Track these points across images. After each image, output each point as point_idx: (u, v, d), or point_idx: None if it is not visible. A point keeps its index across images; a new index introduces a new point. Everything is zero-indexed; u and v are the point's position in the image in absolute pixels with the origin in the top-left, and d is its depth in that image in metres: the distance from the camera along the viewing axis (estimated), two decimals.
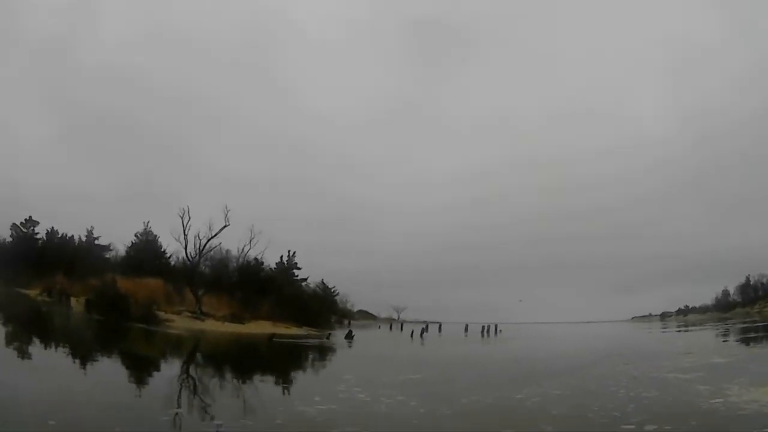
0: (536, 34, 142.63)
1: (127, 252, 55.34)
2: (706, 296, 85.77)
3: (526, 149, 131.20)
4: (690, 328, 67.08)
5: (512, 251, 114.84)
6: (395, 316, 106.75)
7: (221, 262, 55.50)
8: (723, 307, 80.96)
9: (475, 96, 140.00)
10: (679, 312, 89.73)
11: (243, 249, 55.49)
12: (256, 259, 58.86)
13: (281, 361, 31.63)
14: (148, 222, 56.42)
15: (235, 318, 48.18)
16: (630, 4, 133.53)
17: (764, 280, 77.22)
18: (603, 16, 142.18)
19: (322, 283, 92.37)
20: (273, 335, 41.51)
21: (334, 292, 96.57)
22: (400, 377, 22.39)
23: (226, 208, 50.45)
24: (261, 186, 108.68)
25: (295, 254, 69.58)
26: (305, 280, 73.37)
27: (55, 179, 79.30)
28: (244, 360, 31.03)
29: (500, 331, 66.25)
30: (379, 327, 78.43)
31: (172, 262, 55.79)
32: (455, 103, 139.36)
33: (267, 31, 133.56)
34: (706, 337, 48.78)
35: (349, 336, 48.19)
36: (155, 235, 56.44)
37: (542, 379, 21.12)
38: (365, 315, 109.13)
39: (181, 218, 49.37)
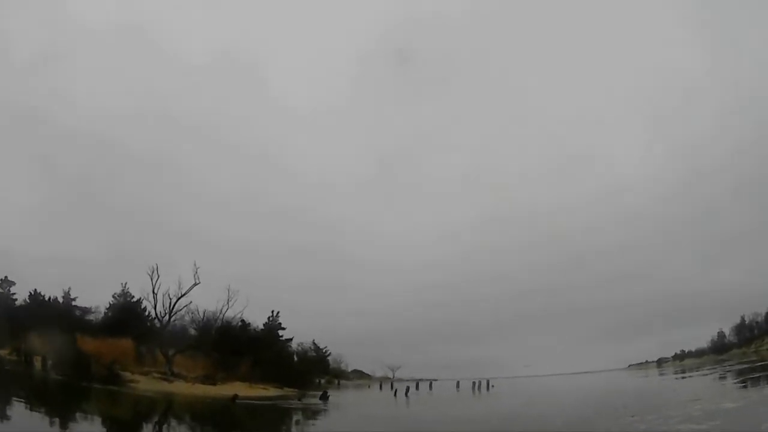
0: (515, 75, 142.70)
1: (104, 313, 53.30)
2: (701, 339, 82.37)
3: (510, 202, 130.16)
4: (688, 373, 64.90)
5: (502, 305, 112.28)
6: (390, 375, 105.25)
7: (196, 323, 53.56)
8: (719, 349, 78.37)
9: (456, 149, 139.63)
10: (676, 357, 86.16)
11: (221, 309, 53.24)
12: (242, 321, 57.67)
13: (225, 424, 29.77)
14: (125, 283, 53.99)
15: (208, 379, 46.18)
16: (609, 42, 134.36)
17: (759, 319, 75.31)
18: (583, 53, 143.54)
19: (314, 343, 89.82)
20: (236, 396, 39.29)
21: (325, 352, 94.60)
22: None
23: (195, 265, 48.75)
24: (248, 249, 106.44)
25: (279, 314, 67.23)
26: (290, 340, 71.66)
27: (38, 244, 76.70)
28: (189, 422, 29.76)
29: (492, 386, 62.99)
30: (369, 386, 74.84)
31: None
32: (435, 159, 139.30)
33: (242, 95, 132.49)
34: (706, 381, 46.89)
35: (324, 397, 45.58)
36: (132, 296, 53.92)
37: None
38: (360, 375, 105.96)
39: (150, 276, 47.61)
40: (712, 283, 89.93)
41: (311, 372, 67.34)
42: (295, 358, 77.07)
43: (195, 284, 48.67)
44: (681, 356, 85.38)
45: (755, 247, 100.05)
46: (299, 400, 44.21)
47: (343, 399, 50.10)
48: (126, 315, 51.81)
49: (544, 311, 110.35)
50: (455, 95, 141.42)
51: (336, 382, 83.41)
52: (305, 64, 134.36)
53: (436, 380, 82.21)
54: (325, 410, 38.72)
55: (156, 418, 30.25)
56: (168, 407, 34.68)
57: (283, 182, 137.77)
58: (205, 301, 53.05)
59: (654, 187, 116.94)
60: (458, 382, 66.34)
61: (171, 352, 46.58)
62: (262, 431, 30.33)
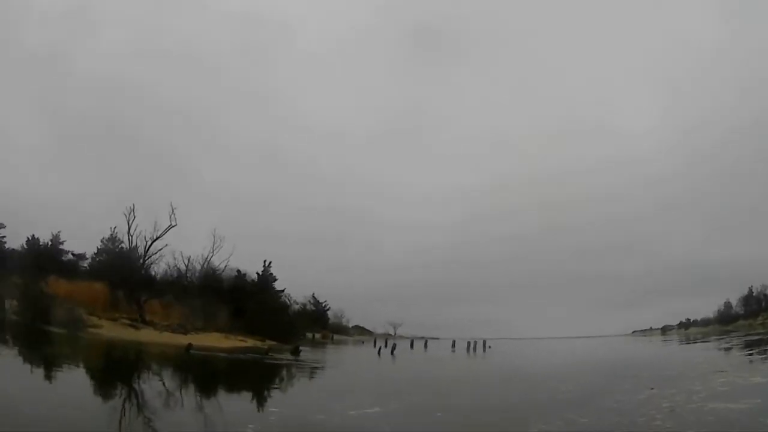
0: (530, 46, 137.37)
1: (92, 258, 50.94)
2: (707, 309, 79.63)
3: (523, 167, 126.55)
4: (694, 341, 62.64)
5: (510, 267, 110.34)
6: (391, 332, 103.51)
7: (177, 269, 51.33)
8: (725, 319, 75.32)
9: (470, 112, 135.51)
10: (681, 325, 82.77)
11: (206, 256, 52.42)
12: (238, 271, 56.95)
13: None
14: (114, 227, 50.50)
15: (181, 328, 43.75)
16: (625, 14, 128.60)
17: (767, 291, 72.39)
18: (598, 26, 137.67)
19: (313, 297, 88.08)
20: (190, 345, 36.47)
21: (325, 306, 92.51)
22: (351, 412, 17.07)
23: (172, 205, 46.30)
24: (255, 200, 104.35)
25: (271, 264, 64.87)
26: (281, 291, 69.76)
27: (48, 189, 73.93)
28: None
29: (489, 347, 59.73)
30: (363, 342, 72.35)
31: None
32: (450, 121, 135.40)
33: (260, 43, 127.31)
34: (719, 351, 44.20)
35: (296, 352, 43.00)
36: (121, 241, 50.56)
37: (548, 416, 15.79)
38: (361, 331, 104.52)
39: (126, 217, 45.40)
40: (721, 255, 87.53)
41: (298, 325, 64.16)
42: (290, 311, 75.79)
43: (171, 226, 46.34)
44: (686, 324, 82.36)
45: (764, 222, 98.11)
46: (266, 353, 41.47)
47: (319, 356, 47.68)
48: (107, 259, 49.58)
49: (549, 277, 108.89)
50: (468, 60, 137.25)
51: (331, 336, 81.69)
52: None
53: (435, 339, 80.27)
54: (288, 365, 35.97)
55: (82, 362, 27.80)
56: (108, 353, 32.80)
57: (292, 130, 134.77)
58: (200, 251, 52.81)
59: (665, 161, 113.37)
60: (454, 342, 63.11)
61: (143, 298, 44.23)
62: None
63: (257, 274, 64.05)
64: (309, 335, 74.30)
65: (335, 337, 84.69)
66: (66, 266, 49.45)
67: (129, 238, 45.95)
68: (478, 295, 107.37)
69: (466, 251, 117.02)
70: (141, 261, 46.20)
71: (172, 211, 46.05)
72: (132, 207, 45.73)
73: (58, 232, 51.56)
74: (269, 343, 48.80)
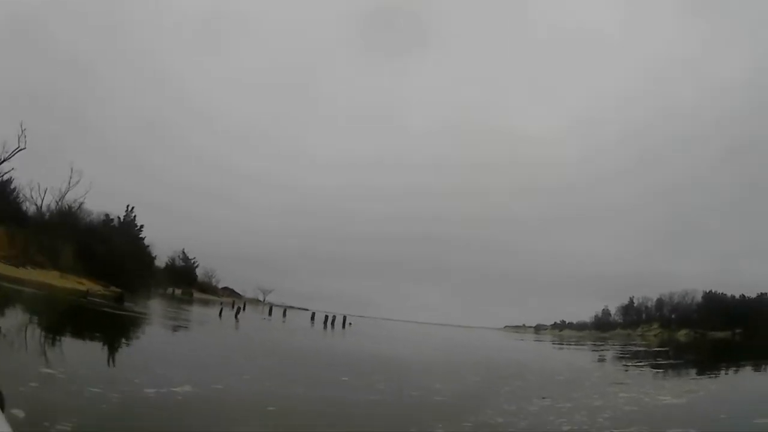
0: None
1: None
2: (583, 314, 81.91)
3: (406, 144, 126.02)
4: (568, 343, 61.32)
5: (390, 247, 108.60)
6: (261, 297, 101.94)
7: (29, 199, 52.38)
8: (602, 326, 76.92)
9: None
10: (555, 326, 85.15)
11: (62, 190, 52.79)
12: (106, 215, 58.06)
13: None
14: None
15: (13, 260, 41.38)
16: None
17: (648, 304, 74.07)
18: None
19: (183, 252, 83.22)
20: None
21: (194, 263, 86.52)
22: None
23: (22, 125, 44.99)
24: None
25: (134, 209, 63.56)
26: (140, 237, 64.99)
27: None
28: None
29: (350, 324, 54.58)
30: (221, 305, 65.43)
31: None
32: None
33: None
34: (600, 357, 42.12)
35: (119, 300, 38.57)
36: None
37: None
38: (230, 292, 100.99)
39: None
40: (602, 262, 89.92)
41: (153, 276, 62.31)
42: (150, 262, 69.87)
43: (19, 149, 45.17)
44: (560, 326, 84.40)
45: (647, 230, 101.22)
46: (85, 298, 36.81)
47: (151, 310, 42.23)
48: None
49: (432, 263, 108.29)
50: None
51: (190, 294, 77.08)
52: None
53: (304, 309, 75.72)
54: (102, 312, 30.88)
55: None
56: None
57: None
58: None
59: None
60: (313, 314, 59.86)
61: None
62: None
63: (118, 218, 62.17)
64: (169, 290, 68.84)
65: (197, 295, 79.66)
66: None
67: None
68: (358, 271, 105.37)
69: (350, 225, 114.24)
70: None
71: (22, 132, 44.68)
72: None
73: None
74: (114, 290, 45.88)
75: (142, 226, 66.25)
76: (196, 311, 50.96)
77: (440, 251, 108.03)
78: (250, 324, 43.53)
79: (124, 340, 21.94)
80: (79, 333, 22.12)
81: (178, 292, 74.34)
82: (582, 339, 69.40)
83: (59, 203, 53.91)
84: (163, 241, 75.41)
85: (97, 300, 36.76)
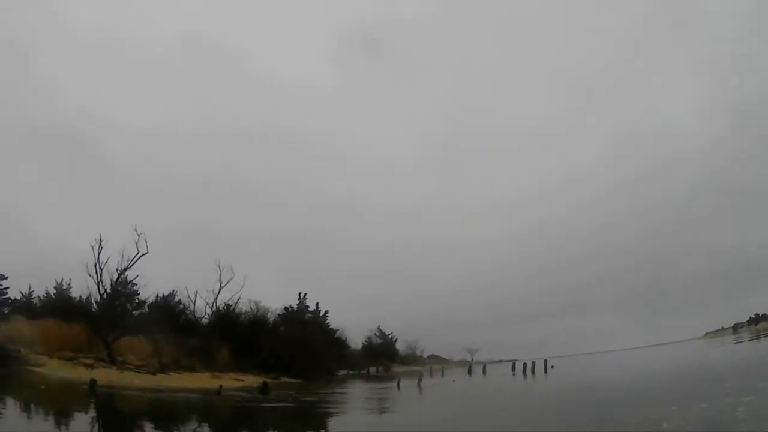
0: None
1: (47, 295, 50.19)
2: None
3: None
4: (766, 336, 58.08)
5: (578, 283, 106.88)
6: (468, 358, 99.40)
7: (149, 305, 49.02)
8: None
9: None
10: (750, 321, 79.79)
11: (214, 290, 51.46)
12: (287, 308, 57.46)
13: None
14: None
15: (151, 367, 41.13)
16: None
17: None
18: None
19: (378, 329, 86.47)
20: (94, 381, 31.34)
21: (391, 337, 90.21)
22: None
23: (136, 229, 43.46)
24: (298, 238, 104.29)
25: (306, 296, 63.85)
26: (322, 321, 66.27)
27: None
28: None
29: (552, 366, 54.36)
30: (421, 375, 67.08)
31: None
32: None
33: None
34: None
35: (264, 391, 36.12)
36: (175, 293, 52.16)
37: None
38: (436, 359, 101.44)
39: (92, 248, 42.87)
40: None
41: (319, 357, 56.81)
42: (341, 347, 71.53)
43: (141, 254, 43.41)
44: (756, 320, 79.08)
45: None
46: (218, 394, 34.37)
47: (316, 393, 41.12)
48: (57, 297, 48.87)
49: (618, 292, 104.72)
50: None
51: (388, 369, 79.00)
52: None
53: (506, 361, 75.44)
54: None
55: None
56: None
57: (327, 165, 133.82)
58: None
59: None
60: (514, 364, 58.65)
61: (111, 336, 41.74)
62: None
63: (291, 307, 61.93)
64: (365, 370, 72.60)
65: (399, 369, 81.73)
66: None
67: (97, 271, 43.00)
68: (545, 311, 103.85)
69: (537, 262, 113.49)
70: (106, 294, 43.76)
71: (138, 237, 43.09)
72: (99, 237, 43.11)
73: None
74: (287, 379, 46.87)
75: (327, 312, 67.00)
76: (376, 386, 50.06)
77: (612, 275, 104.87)
78: (434, 389, 44.18)
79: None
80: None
81: (374, 370, 75.22)
82: None
83: (212, 305, 52.53)
84: (358, 324, 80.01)
85: (233, 394, 35.98)
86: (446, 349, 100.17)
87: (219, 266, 50.75)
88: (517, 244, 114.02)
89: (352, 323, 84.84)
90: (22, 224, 67.85)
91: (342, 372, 65.02)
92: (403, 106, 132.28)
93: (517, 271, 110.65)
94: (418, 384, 45.50)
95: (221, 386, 36.42)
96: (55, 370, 35.45)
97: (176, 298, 51.40)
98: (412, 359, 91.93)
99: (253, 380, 43.34)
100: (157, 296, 49.29)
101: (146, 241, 43.44)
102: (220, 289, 51.73)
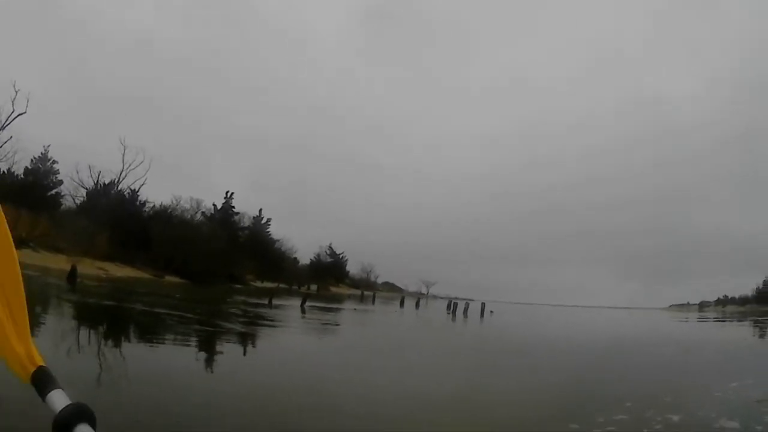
0: None
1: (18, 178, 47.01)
2: (745, 287, 77.44)
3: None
4: (731, 319, 54.15)
5: (540, 227, 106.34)
6: (424, 290, 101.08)
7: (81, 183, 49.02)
8: (765, 299, 69.45)
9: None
10: (718, 302, 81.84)
11: (120, 174, 50.47)
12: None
13: None
14: (48, 145, 47.65)
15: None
16: None
17: None
18: None
19: (329, 247, 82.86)
20: None
21: (342, 257, 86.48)
22: None
23: (15, 86, 41.02)
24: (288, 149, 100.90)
25: (233, 195, 63.66)
26: (261, 228, 66.57)
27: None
28: None
29: (491, 312, 47.54)
30: (362, 299, 61.44)
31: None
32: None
33: None
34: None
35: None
36: (54, 161, 48.18)
37: None
38: (390, 287, 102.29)
39: None
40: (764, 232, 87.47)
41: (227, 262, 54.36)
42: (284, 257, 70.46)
43: (16, 114, 41.25)
44: (723, 301, 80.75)
45: None
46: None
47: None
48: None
49: (583, 241, 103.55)
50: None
51: (326, 289, 74.45)
52: None
53: (471, 300, 71.06)
54: None
55: None
56: None
57: (306, 72, 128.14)
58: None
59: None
60: (450, 302, 53.03)
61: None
62: None
63: (214, 205, 62.21)
64: (296, 286, 67.21)
65: (340, 290, 78.04)
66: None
67: None
68: (516, 258, 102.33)
69: (496, 207, 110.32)
70: None
71: (15, 93, 40.79)
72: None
73: None
74: (170, 278, 44.60)
75: (269, 220, 67.50)
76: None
77: (593, 240, 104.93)
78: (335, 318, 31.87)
79: None
80: None
81: (313, 288, 68.29)
82: (745, 314, 62.25)
83: (116, 188, 51.20)
84: (313, 243, 75.67)
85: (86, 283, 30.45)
86: (401, 278, 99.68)
87: (123, 143, 50.52)
88: (499, 183, 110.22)
89: (306, 241, 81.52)
90: None
91: (269, 284, 59.63)
92: None
93: (497, 212, 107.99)
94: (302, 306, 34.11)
95: (74, 267, 30.61)
96: None
97: (50, 164, 47.69)
98: (364, 283, 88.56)
99: (141, 274, 42.38)
100: (32, 159, 46.35)
101: (27, 100, 41.35)
102: (122, 170, 50.13)
